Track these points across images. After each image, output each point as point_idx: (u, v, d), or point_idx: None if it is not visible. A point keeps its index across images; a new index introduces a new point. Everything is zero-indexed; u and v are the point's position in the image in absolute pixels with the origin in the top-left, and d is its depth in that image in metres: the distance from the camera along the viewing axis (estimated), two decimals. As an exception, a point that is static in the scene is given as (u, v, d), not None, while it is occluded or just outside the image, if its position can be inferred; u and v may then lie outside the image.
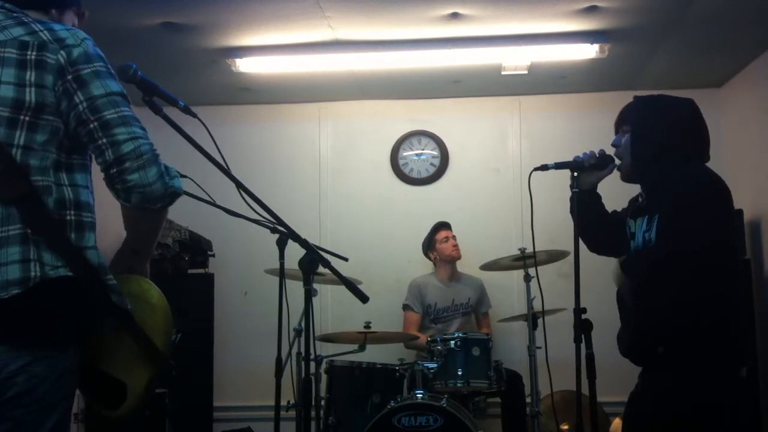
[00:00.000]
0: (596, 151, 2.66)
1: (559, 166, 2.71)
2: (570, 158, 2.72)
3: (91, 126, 1.75)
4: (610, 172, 2.65)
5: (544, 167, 2.76)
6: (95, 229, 1.82)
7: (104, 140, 1.75)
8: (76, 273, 1.73)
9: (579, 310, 2.53)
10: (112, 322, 1.80)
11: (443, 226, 5.16)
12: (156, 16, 4.04)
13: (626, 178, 2.57)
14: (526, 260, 4.47)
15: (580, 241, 2.63)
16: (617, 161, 2.61)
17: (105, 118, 1.75)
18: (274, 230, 2.92)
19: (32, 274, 1.69)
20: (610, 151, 2.64)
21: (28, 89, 1.74)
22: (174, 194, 1.81)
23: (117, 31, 4.13)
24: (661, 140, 2.45)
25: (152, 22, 4.11)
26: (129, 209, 1.83)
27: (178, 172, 1.89)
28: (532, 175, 2.75)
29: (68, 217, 1.76)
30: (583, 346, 2.50)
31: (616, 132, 2.61)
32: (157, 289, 1.93)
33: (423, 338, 4.66)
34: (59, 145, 1.77)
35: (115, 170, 1.75)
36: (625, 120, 2.57)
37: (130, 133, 1.76)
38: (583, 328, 2.51)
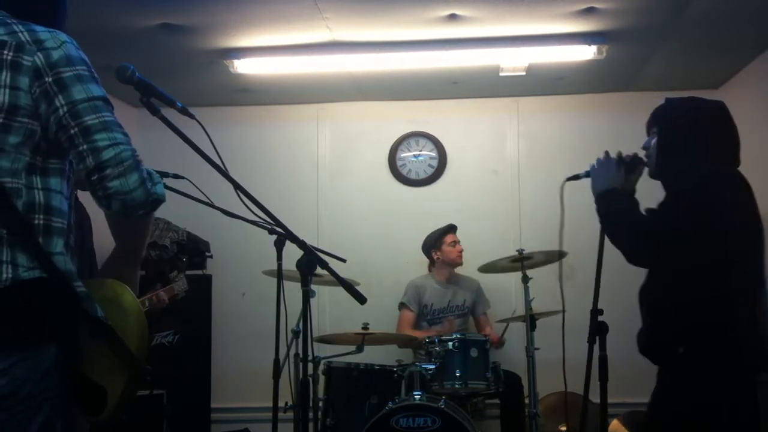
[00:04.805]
0: (629, 155, 2.62)
1: (590, 173, 2.66)
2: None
3: (72, 132, 1.72)
4: (641, 174, 2.62)
5: (576, 177, 2.71)
6: (66, 235, 1.79)
7: (85, 146, 1.71)
8: (51, 275, 1.71)
9: (596, 311, 2.52)
10: (86, 328, 1.78)
11: (453, 229, 5.13)
12: (154, 17, 4.03)
13: (652, 175, 2.59)
14: (524, 261, 4.47)
15: (600, 243, 2.61)
16: (645, 161, 2.60)
17: (86, 123, 1.72)
18: (271, 231, 2.92)
19: (3, 276, 1.67)
20: (641, 153, 2.62)
21: (2, 90, 1.71)
22: (156, 201, 1.77)
23: (115, 33, 4.13)
24: (686, 142, 2.47)
25: (150, 23, 4.10)
26: (112, 216, 1.81)
27: (167, 174, 1.87)
28: (565, 184, 2.69)
29: (36, 221, 1.73)
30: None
31: (648, 134, 2.62)
32: (131, 293, 1.91)
33: (419, 335, 4.67)
34: (34, 148, 1.74)
35: (95, 177, 1.71)
36: (654, 122, 2.58)
37: (111, 139, 1.72)
38: (598, 330, 2.50)
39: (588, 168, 2.67)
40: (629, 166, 2.60)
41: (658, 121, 2.56)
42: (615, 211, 2.51)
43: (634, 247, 2.44)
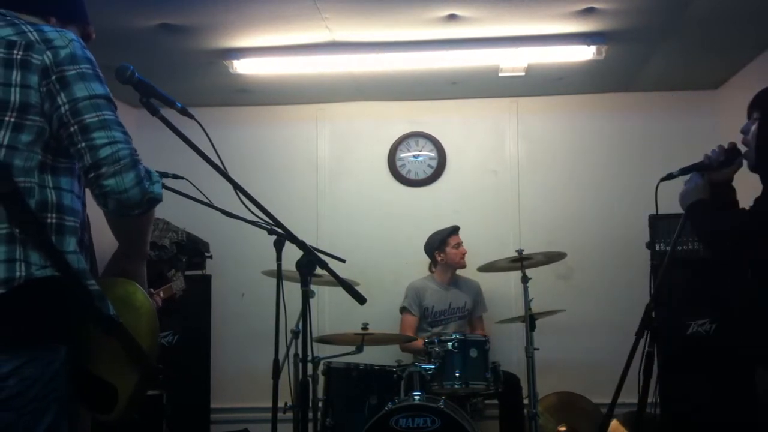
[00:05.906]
0: (725, 146, 2.48)
1: (684, 171, 2.54)
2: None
3: (72, 129, 1.73)
4: (740, 165, 2.47)
5: (670, 176, 2.56)
6: (78, 234, 1.79)
7: (83, 144, 1.72)
8: (63, 274, 1.72)
9: (651, 308, 2.46)
10: (99, 326, 1.79)
11: (457, 230, 5.11)
12: (153, 17, 4.03)
13: (751, 167, 2.41)
14: (523, 262, 4.47)
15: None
16: (743, 149, 2.44)
17: (85, 121, 1.73)
18: (271, 232, 2.92)
19: (17, 274, 1.68)
20: (739, 138, 2.48)
21: (13, 89, 1.73)
22: (152, 200, 1.77)
23: (114, 33, 4.12)
24: None
25: (150, 24, 4.10)
26: (109, 214, 1.82)
27: (167, 174, 1.86)
28: (659, 185, 2.55)
29: (49, 220, 1.74)
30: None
31: (749, 118, 2.44)
32: (143, 292, 1.91)
33: (419, 341, 4.66)
34: (45, 146, 1.76)
35: (92, 175, 1.72)
36: (756, 106, 2.41)
37: (109, 138, 1.73)
38: (650, 325, 2.44)
39: (681, 166, 2.55)
40: (726, 160, 2.45)
41: (761, 106, 2.37)
42: (700, 222, 2.41)
43: (723, 252, 2.37)
